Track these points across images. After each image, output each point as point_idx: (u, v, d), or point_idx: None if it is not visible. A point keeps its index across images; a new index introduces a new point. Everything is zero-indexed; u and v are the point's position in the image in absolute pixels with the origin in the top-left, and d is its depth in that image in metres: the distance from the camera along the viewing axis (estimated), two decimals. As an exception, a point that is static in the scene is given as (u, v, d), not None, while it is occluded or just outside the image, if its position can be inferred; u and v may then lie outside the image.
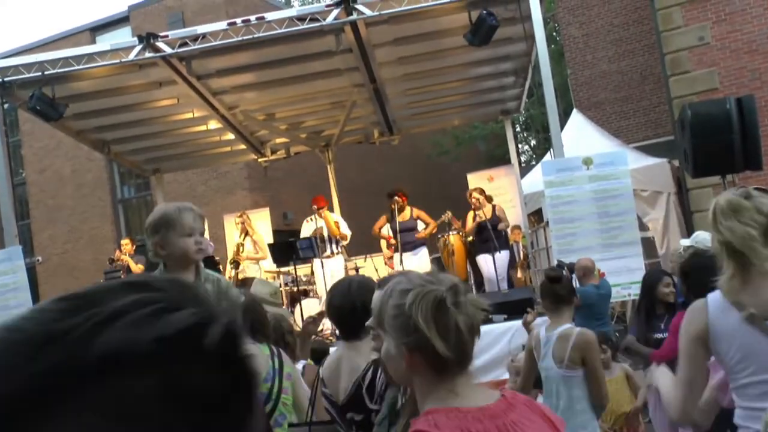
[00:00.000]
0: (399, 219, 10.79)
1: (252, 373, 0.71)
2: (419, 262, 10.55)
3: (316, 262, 10.83)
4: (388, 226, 11.14)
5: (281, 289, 11.63)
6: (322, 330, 10.62)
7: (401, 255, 10.52)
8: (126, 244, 11.96)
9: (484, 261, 10.73)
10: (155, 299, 0.68)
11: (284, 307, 9.85)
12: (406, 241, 10.81)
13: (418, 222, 11.03)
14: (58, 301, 0.68)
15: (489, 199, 11.15)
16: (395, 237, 10.79)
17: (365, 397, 2.85)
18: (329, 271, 10.65)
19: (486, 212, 10.66)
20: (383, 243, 11.61)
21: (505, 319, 7.89)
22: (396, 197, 10.88)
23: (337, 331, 3.08)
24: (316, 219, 11.08)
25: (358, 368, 2.91)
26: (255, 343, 3.62)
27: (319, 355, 6.24)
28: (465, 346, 1.76)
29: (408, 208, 10.99)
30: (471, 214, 10.94)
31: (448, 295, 1.75)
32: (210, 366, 0.66)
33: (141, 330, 0.64)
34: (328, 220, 10.93)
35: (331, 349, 6.10)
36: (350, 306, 2.97)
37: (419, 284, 1.79)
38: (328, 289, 10.46)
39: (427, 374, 1.78)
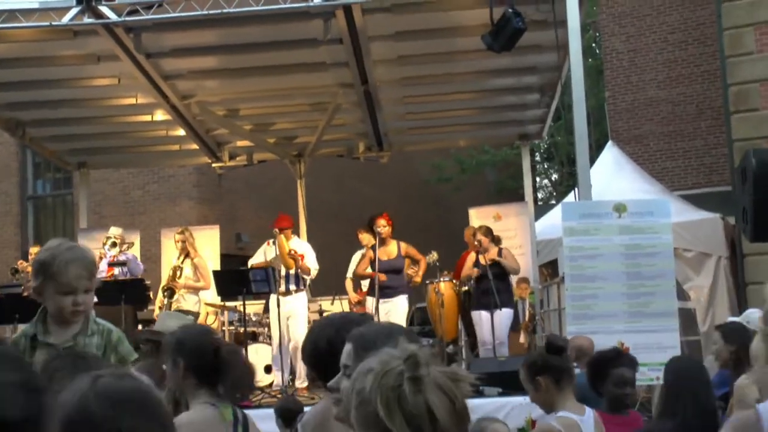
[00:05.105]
0: (383, 255, 10.47)
1: None
2: (395, 313, 10.31)
3: (272, 299, 10.51)
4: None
5: (225, 329, 11.54)
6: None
7: (377, 302, 10.21)
8: (36, 253, 11.80)
9: (480, 319, 10.58)
10: None
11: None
12: (391, 285, 10.46)
13: (407, 262, 10.76)
14: None
15: (497, 240, 11.05)
16: (374, 277, 10.48)
17: None
18: (286, 312, 10.33)
19: (490, 256, 10.60)
20: (350, 285, 11.35)
21: (500, 394, 7.82)
22: (381, 220, 10.57)
23: None
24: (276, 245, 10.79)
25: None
26: (215, 405, 3.56)
27: (289, 415, 6.19)
28: None
29: (393, 242, 10.73)
30: (472, 256, 10.81)
31: (406, 370, 1.70)
32: None
33: None
34: (283, 246, 10.52)
35: (306, 408, 5.99)
36: (312, 347, 2.88)
37: (384, 360, 1.75)
38: (285, 334, 10.35)
39: None
